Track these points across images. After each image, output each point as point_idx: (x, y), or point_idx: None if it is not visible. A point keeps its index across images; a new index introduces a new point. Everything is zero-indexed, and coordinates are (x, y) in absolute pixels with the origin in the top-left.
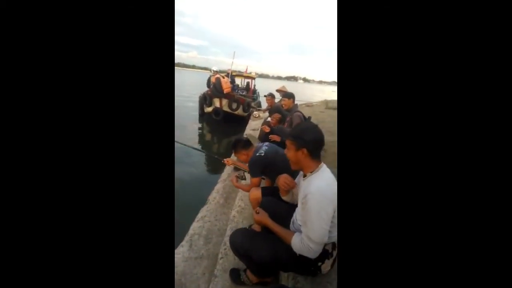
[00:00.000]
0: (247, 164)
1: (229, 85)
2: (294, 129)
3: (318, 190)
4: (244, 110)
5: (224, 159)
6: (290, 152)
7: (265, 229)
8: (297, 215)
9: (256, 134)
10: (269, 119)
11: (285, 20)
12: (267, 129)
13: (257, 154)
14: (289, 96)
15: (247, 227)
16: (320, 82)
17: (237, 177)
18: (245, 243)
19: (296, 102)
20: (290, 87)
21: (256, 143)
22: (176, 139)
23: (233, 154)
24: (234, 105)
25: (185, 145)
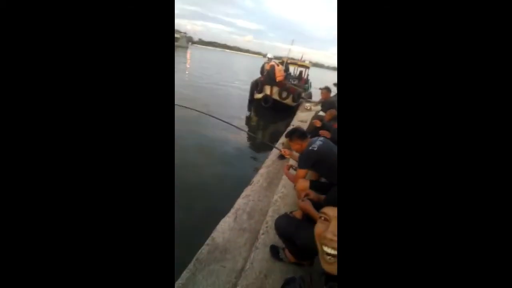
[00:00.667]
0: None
1: (282, 73)
2: None
3: None
4: (293, 100)
5: (282, 149)
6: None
7: (306, 217)
8: None
9: (304, 126)
10: (321, 113)
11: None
12: (319, 124)
13: (310, 148)
14: (329, 89)
15: (289, 213)
16: None
17: (291, 166)
18: (290, 228)
19: None
20: None
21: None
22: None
23: (278, 143)
24: (284, 94)
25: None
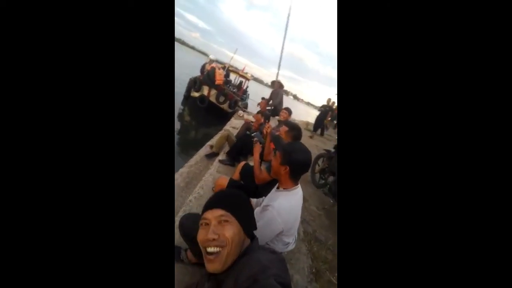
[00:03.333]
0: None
1: (222, 77)
2: (288, 145)
3: (279, 208)
4: (229, 107)
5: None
6: (275, 162)
7: None
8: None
9: (235, 132)
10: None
11: (296, 38)
12: (261, 120)
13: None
14: (289, 111)
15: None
16: (308, 103)
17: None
18: (194, 227)
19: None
20: None
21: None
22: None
23: (206, 146)
24: (222, 99)
25: None
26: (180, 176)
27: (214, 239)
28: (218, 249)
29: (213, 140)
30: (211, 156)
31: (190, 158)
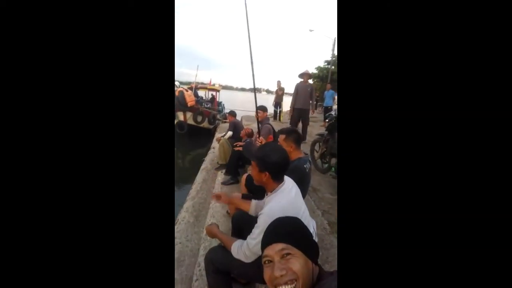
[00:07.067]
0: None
1: (193, 98)
2: (258, 151)
3: (269, 211)
4: (210, 123)
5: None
6: (253, 171)
7: None
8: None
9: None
10: (229, 133)
11: (247, 34)
12: (240, 149)
13: (304, 165)
14: (263, 109)
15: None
16: (285, 94)
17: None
18: (226, 258)
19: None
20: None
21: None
22: None
23: (201, 170)
24: (199, 118)
25: None
26: (186, 212)
27: (282, 276)
28: (292, 285)
29: (215, 156)
30: (221, 168)
31: (189, 190)
